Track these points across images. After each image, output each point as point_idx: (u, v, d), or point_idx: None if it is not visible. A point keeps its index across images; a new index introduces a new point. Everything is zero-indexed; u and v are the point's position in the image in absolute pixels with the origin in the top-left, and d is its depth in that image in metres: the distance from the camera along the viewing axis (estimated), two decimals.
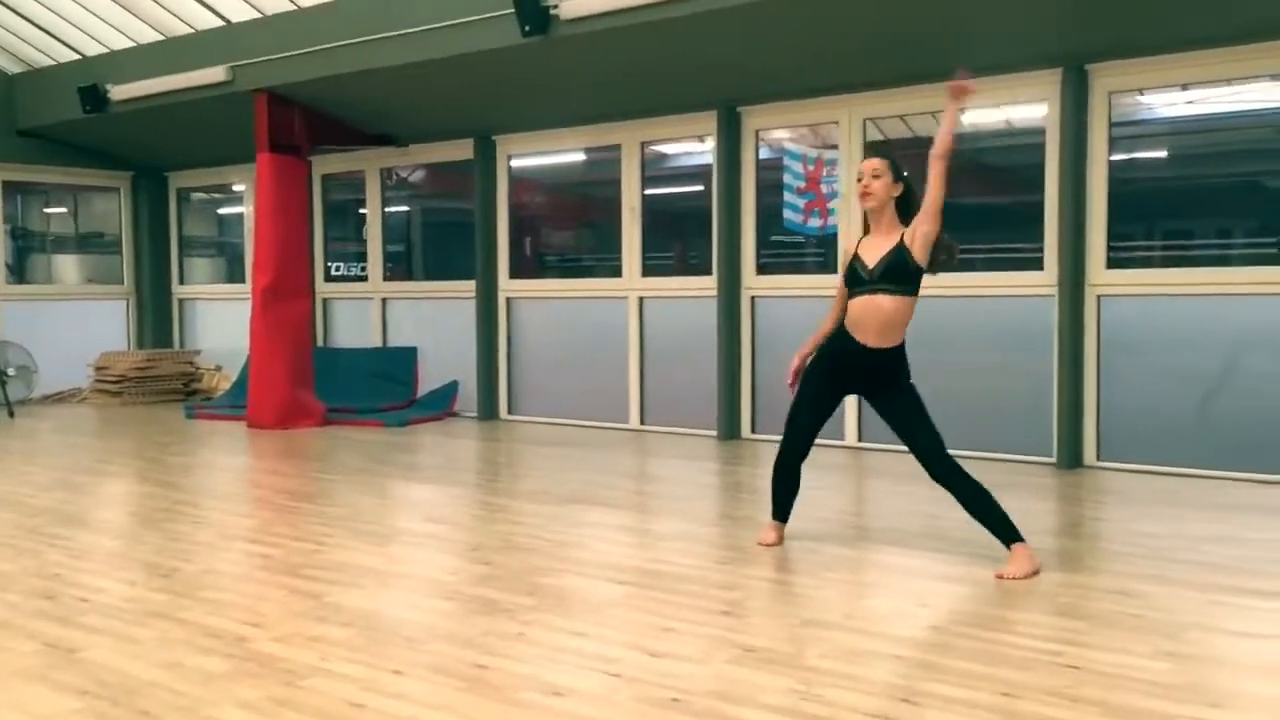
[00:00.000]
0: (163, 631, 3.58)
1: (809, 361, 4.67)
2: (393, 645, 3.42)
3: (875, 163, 4.49)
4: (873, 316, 4.42)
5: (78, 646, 3.42)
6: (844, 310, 4.60)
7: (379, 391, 9.75)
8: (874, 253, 4.48)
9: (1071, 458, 6.60)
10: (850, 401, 7.51)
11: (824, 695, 2.96)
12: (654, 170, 9.16)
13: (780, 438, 4.78)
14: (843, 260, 4.72)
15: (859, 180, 4.52)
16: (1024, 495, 5.86)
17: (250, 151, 9.08)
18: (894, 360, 4.48)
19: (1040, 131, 6.83)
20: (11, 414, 9.68)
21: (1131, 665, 3.17)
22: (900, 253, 4.39)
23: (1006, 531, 4.25)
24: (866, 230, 4.61)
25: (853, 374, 4.56)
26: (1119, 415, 6.60)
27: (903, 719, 2.80)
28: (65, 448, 7.99)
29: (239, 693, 3.01)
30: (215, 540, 4.92)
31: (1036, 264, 6.82)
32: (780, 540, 4.74)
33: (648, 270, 8.65)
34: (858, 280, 4.48)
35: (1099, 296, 6.61)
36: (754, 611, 3.78)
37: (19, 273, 11.76)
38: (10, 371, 10.24)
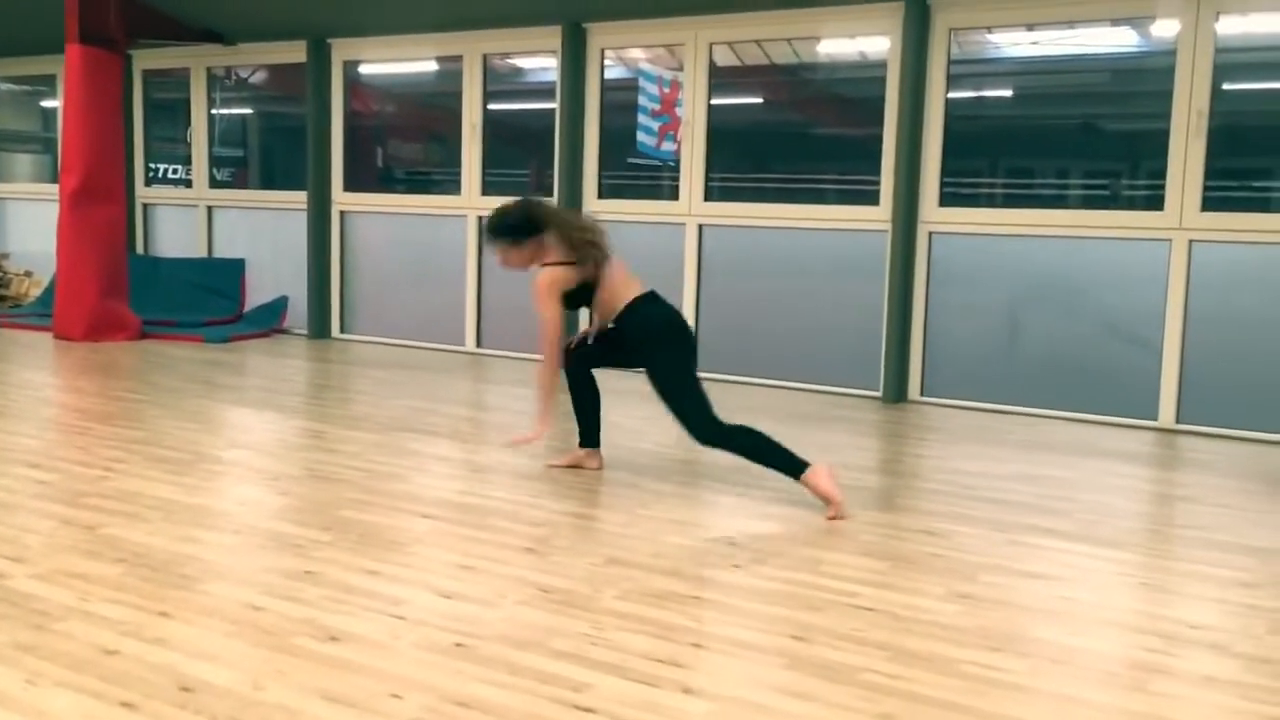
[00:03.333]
0: None
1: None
2: (165, 584, 3.20)
3: (497, 250, 4.51)
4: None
5: None
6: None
7: (202, 304, 9.26)
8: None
9: (897, 392, 6.69)
10: None
11: (613, 640, 2.87)
12: (510, 84, 8.82)
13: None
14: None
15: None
16: (848, 429, 5.92)
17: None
18: (627, 320, 4.45)
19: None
20: None
21: (923, 607, 3.19)
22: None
23: (792, 464, 4.17)
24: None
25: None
26: (943, 351, 6.71)
27: (689, 664, 2.74)
28: None
29: None
30: None
31: (875, 198, 6.83)
32: (569, 466, 4.74)
33: (489, 189, 8.36)
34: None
35: (930, 233, 6.66)
36: (559, 549, 3.67)
37: None
38: None
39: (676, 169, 7.64)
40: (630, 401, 6.54)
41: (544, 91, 8.21)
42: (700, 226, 7.45)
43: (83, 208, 8.25)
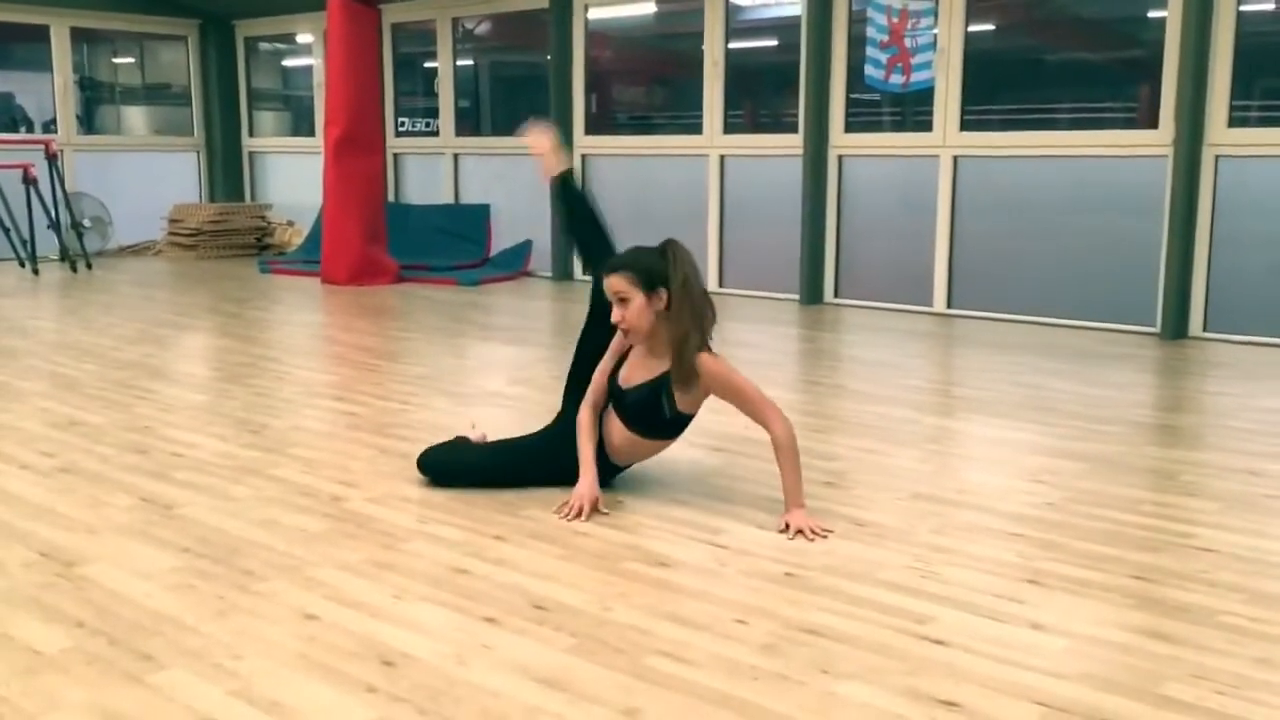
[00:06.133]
0: (257, 489, 3.52)
1: None
2: (488, 509, 3.33)
3: (616, 281, 3.29)
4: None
5: (174, 503, 3.38)
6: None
7: (451, 249, 9.62)
8: (634, 370, 3.47)
9: (1176, 328, 6.30)
10: (940, 263, 7.23)
11: (943, 574, 2.82)
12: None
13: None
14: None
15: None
16: (1132, 367, 5.62)
17: None
18: None
19: None
20: (89, 265, 9.72)
21: (1271, 550, 2.99)
22: (659, 389, 3.38)
23: None
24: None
25: None
26: (1230, 284, 6.26)
27: (1032, 601, 2.66)
28: (144, 301, 8.00)
29: (340, 554, 2.94)
30: (300, 397, 4.86)
31: (1131, 123, 6.41)
32: None
33: (729, 128, 8.31)
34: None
35: (1217, 157, 6.20)
36: (859, 484, 3.63)
37: (88, 123, 11.67)
38: (86, 223, 10.25)
39: (899, 102, 7.36)
40: (891, 339, 6.43)
41: (759, 29, 8.03)
42: (955, 158, 7.18)
43: (346, 158, 8.66)
